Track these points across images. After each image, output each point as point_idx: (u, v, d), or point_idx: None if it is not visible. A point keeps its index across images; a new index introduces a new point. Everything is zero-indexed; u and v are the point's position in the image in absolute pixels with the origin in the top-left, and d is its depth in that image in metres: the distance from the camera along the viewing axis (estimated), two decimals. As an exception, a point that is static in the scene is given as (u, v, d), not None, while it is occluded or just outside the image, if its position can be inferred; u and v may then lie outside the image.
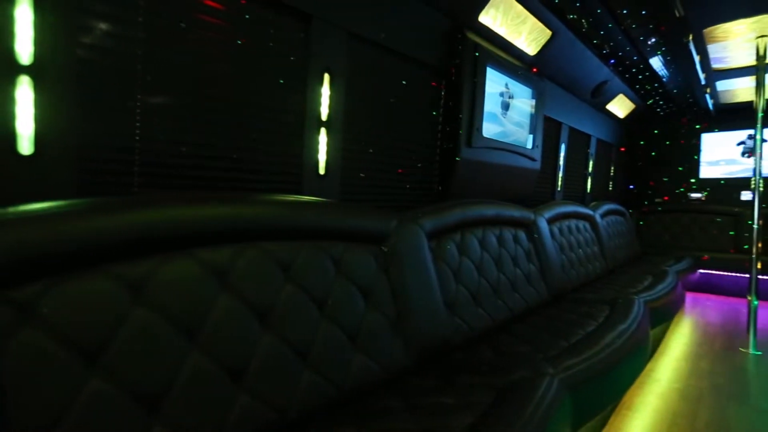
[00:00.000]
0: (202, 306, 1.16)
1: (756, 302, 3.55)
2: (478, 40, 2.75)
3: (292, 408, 1.27)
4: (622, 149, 6.18)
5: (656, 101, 5.49)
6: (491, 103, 2.89)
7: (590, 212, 4.29)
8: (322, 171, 1.98)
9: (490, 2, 2.62)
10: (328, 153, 2.00)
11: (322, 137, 1.98)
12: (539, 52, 3.33)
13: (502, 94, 3.03)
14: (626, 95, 5.08)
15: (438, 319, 1.91)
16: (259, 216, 1.37)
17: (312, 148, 1.94)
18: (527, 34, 3.14)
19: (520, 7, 2.81)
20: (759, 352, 3.40)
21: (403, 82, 2.51)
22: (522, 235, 2.87)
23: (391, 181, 2.51)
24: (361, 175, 2.31)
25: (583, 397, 1.73)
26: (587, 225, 4.13)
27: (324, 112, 1.97)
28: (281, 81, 1.84)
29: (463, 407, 1.38)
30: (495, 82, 2.92)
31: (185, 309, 1.12)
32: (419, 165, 2.68)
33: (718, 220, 5.71)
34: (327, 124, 1.99)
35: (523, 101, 3.31)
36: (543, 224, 3.12)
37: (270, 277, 1.33)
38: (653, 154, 6.36)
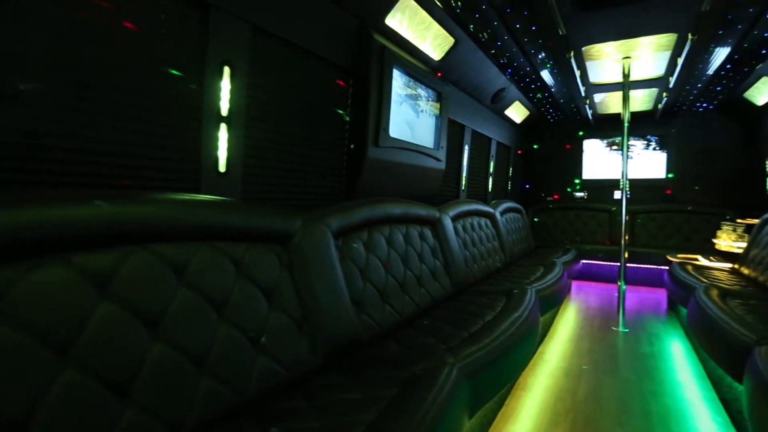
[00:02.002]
0: (77, 317, 1.05)
1: (624, 287, 4.11)
2: (384, 41, 2.81)
3: (187, 419, 1.20)
4: (519, 152, 6.74)
5: (547, 109, 6.06)
6: (400, 106, 2.98)
7: (491, 210, 4.61)
8: (222, 168, 1.89)
9: (396, 6, 2.69)
10: (229, 150, 1.91)
11: (223, 133, 1.88)
12: (443, 58, 3.50)
13: (408, 96, 3.14)
14: (522, 102, 5.54)
15: (345, 317, 1.92)
16: (148, 216, 1.27)
17: (211, 144, 1.84)
18: (432, 40, 3.28)
19: (424, 13, 2.93)
20: (627, 330, 3.93)
21: (311, 80, 2.48)
22: (428, 232, 3.00)
23: (298, 180, 2.47)
24: (266, 173, 2.24)
25: (481, 382, 1.86)
26: (488, 222, 4.44)
27: (224, 107, 1.88)
28: (175, 71, 1.71)
29: (369, 401, 1.41)
30: (401, 84, 3.01)
31: (56, 321, 1.01)
32: (327, 163, 2.67)
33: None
34: (228, 120, 1.90)
35: (429, 104, 3.46)
36: (447, 222, 3.29)
37: (161, 281, 1.24)
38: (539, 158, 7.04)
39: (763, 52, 3.66)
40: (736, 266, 4.19)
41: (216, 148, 1.87)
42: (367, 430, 1.23)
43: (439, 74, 3.61)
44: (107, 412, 1.05)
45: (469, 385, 1.71)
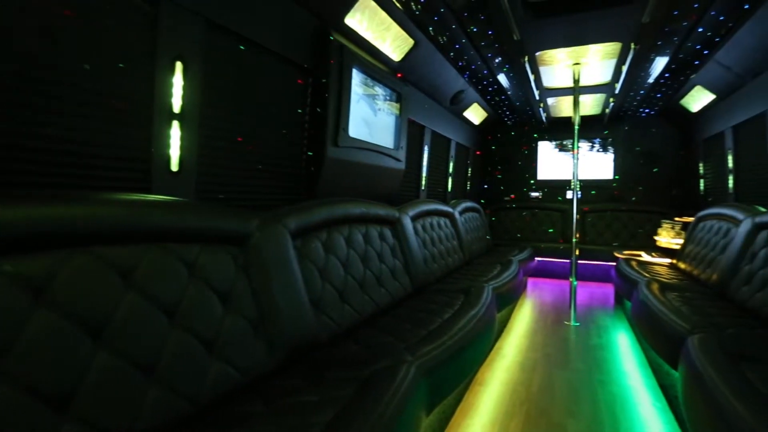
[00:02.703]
0: (7, 327, 0.98)
1: (575, 282, 4.30)
2: (344, 41, 2.81)
3: (134, 429, 1.16)
4: (478, 153, 6.91)
5: (504, 111, 6.25)
6: (357, 104, 2.99)
7: (450, 210, 4.70)
8: (175, 167, 1.83)
9: (355, 6, 2.70)
10: (182, 148, 1.85)
11: (175, 131, 1.82)
12: (403, 59, 3.54)
13: (368, 96, 3.15)
14: (480, 104, 5.68)
15: (304, 318, 1.91)
16: (90, 217, 1.20)
17: (163, 142, 1.78)
18: (392, 41, 3.31)
19: (384, 14, 2.95)
20: (578, 324, 4.13)
21: (269, 78, 2.44)
22: (387, 232, 3.03)
23: (256, 180, 2.43)
24: (222, 172, 2.18)
25: (439, 379, 1.90)
26: (448, 221, 4.53)
27: (177, 104, 1.82)
28: (121, 65, 1.64)
29: (326, 403, 1.41)
30: (361, 84, 3.03)
31: None
32: (285, 163, 2.64)
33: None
34: (180, 117, 1.84)
35: (389, 104, 3.49)
36: (407, 221, 3.33)
37: (105, 286, 1.19)
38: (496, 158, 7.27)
39: (696, 63, 3.95)
40: (674, 261, 4.48)
41: (168, 146, 1.81)
42: None
43: (399, 75, 3.65)
44: (45, 426, 0.99)
45: (427, 382, 1.74)
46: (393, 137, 3.55)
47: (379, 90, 3.33)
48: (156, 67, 1.74)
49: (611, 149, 6.60)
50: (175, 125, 1.83)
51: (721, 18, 3.05)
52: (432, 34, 3.48)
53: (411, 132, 4.21)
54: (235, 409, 1.38)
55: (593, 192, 6.61)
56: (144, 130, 1.74)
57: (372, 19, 2.95)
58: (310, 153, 2.76)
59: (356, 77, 2.94)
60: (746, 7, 2.85)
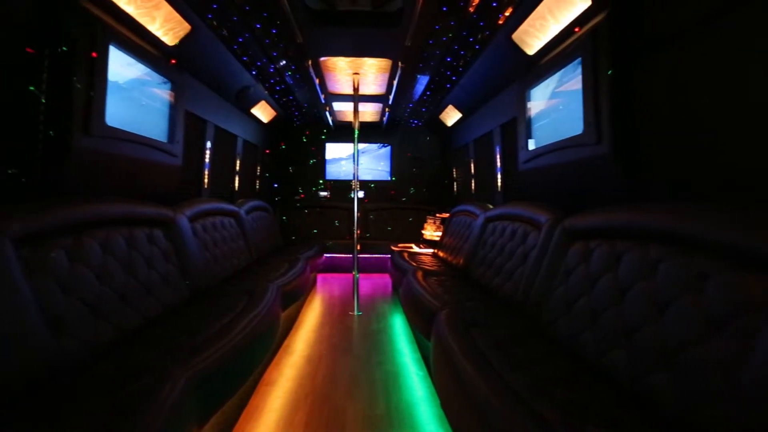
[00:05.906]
0: None
1: (357, 275, 4.69)
2: (97, 11, 2.36)
3: None
4: (267, 151, 6.82)
5: (293, 112, 6.34)
6: (118, 89, 2.56)
7: (235, 209, 4.50)
8: None
9: (110, -27, 2.30)
10: None
11: None
12: (179, 45, 3.19)
13: (132, 80, 2.74)
14: (269, 103, 5.61)
15: (33, 344, 1.53)
16: None
17: None
18: (163, 22, 2.95)
19: (151, -11, 2.61)
20: (360, 313, 4.51)
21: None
22: (159, 234, 2.69)
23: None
24: None
25: (214, 387, 1.79)
26: (233, 221, 4.32)
27: None
28: None
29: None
30: (123, 66, 2.60)
31: None
32: (10, 154, 2.05)
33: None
34: None
35: (160, 92, 3.11)
36: (184, 222, 3.03)
37: None
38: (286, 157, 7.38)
39: (448, 86, 4.80)
40: (436, 251, 5.36)
41: None
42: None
43: (173, 61, 3.28)
44: None
45: (199, 393, 1.62)
46: (166, 130, 3.18)
47: (149, 76, 2.93)
48: None
49: (389, 153, 7.47)
50: None
51: (462, 52, 3.77)
52: (213, 23, 3.25)
53: (190, 126, 3.86)
54: None
55: (372, 203, 7.35)
56: None
57: (135, -7, 2.57)
58: (51, 143, 2.20)
59: (115, 57, 2.51)
60: (477, 47, 3.60)
